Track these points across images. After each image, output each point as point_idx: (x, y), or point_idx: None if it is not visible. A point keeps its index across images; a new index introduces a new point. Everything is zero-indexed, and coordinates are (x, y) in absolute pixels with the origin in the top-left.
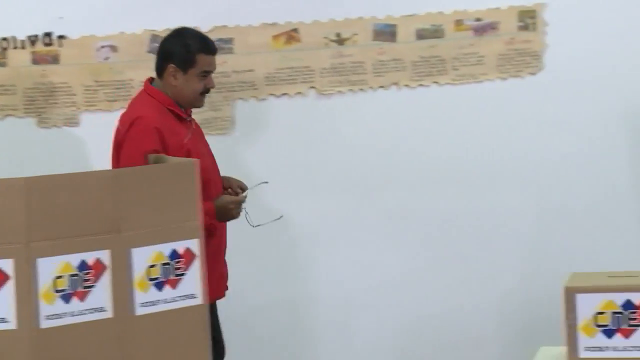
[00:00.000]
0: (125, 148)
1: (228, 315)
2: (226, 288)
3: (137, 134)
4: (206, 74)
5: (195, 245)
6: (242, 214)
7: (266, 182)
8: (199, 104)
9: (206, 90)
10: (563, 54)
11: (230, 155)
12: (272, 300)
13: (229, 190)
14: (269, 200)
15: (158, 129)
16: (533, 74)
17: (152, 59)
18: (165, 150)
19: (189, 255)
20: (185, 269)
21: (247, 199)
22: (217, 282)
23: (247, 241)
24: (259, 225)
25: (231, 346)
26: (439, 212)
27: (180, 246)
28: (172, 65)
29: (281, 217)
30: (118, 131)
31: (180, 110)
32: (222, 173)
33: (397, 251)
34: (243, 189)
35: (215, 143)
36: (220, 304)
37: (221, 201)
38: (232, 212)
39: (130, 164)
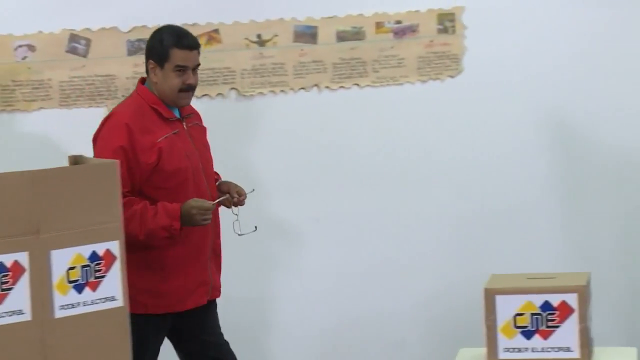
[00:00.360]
0: (97, 144)
1: None
2: (210, 295)
3: (107, 130)
4: (181, 68)
5: (115, 247)
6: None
7: (252, 190)
8: (180, 101)
9: (187, 87)
10: (482, 57)
11: None
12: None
13: (227, 195)
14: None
15: (127, 125)
16: (452, 76)
17: (71, 59)
18: (133, 147)
19: (109, 257)
20: (106, 271)
21: (238, 208)
22: (193, 289)
23: None
24: (242, 235)
25: None
26: (358, 214)
27: (100, 248)
28: (151, 60)
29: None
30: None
31: (165, 108)
32: None
33: (317, 254)
34: (240, 194)
35: None
36: None
37: (186, 205)
38: (194, 217)
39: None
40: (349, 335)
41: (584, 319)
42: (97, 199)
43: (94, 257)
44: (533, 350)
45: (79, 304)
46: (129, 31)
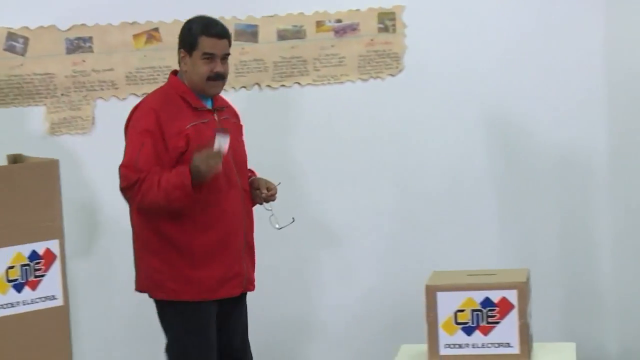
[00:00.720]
0: (127, 132)
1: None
2: (244, 287)
3: (136, 117)
4: (209, 56)
5: (55, 246)
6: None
7: (279, 183)
8: (209, 89)
9: (215, 76)
10: (422, 55)
11: (91, 155)
12: None
13: (257, 191)
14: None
15: (155, 111)
16: (393, 75)
17: (9, 57)
18: (162, 132)
19: (50, 256)
20: (46, 270)
21: (272, 203)
22: (227, 279)
23: None
24: (282, 228)
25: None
26: (301, 211)
27: (40, 247)
28: (182, 50)
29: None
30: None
31: (194, 98)
32: (80, 172)
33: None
34: (269, 188)
35: (75, 142)
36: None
37: (192, 162)
38: (201, 168)
39: (130, 144)
40: (290, 330)
41: (523, 315)
42: (37, 197)
43: (33, 256)
44: (474, 346)
45: (18, 303)
46: (68, 29)
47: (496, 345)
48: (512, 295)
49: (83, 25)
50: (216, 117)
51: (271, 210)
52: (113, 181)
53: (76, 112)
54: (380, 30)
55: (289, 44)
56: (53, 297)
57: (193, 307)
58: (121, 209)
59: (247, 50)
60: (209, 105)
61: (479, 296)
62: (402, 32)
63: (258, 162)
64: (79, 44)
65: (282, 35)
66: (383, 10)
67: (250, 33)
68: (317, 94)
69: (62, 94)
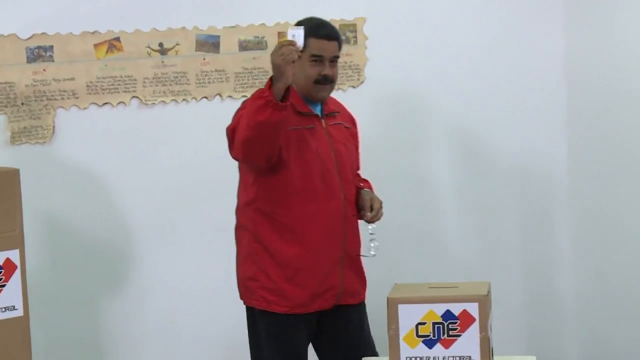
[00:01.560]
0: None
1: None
2: (339, 300)
3: (247, 101)
4: (317, 58)
5: (16, 256)
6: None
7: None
8: (316, 93)
9: (323, 79)
10: (383, 67)
11: (51, 164)
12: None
13: (362, 212)
14: (88, 213)
15: None
16: (354, 86)
17: None
18: None
19: (10, 266)
20: (6, 280)
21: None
22: (319, 293)
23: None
24: (363, 257)
25: None
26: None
27: (0, 257)
28: None
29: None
30: None
31: (300, 102)
32: (41, 182)
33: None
34: (373, 207)
35: (35, 152)
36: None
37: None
38: (275, 63)
39: (234, 116)
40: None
41: (484, 328)
42: None
43: None
44: (435, 359)
45: None
46: (29, 38)
47: (457, 358)
48: (473, 308)
49: (44, 34)
50: (324, 124)
51: (373, 234)
52: (73, 190)
53: (37, 121)
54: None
55: (251, 55)
56: (13, 308)
57: (282, 319)
58: (81, 218)
59: (208, 60)
60: (317, 110)
61: (440, 309)
62: (364, 44)
63: (211, 169)
64: (39, 53)
65: (244, 46)
66: (344, 22)
67: (211, 44)
68: None
69: (23, 103)
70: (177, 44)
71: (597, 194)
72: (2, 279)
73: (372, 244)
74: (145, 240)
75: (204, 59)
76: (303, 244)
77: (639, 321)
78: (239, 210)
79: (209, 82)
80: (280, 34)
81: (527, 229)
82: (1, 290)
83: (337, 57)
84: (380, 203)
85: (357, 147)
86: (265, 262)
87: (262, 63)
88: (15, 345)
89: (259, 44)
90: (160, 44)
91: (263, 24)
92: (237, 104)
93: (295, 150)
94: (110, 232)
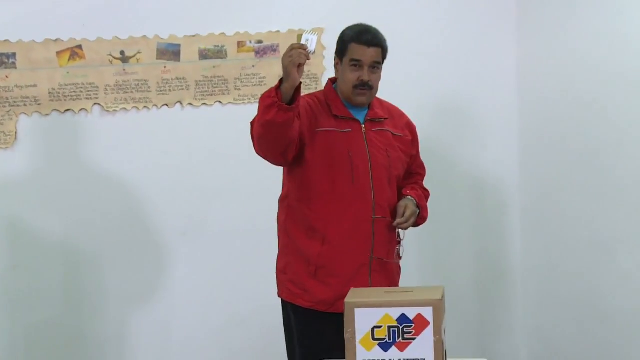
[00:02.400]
0: None
1: None
2: None
3: None
4: (356, 63)
5: None
6: None
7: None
8: (355, 98)
9: (361, 84)
10: None
11: (12, 170)
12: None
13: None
14: (49, 218)
15: (305, 99)
16: None
17: None
18: (300, 117)
19: None
20: None
21: (404, 233)
22: (344, 294)
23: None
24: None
25: None
26: (223, 223)
27: None
28: (336, 56)
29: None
30: None
31: (338, 105)
32: (2, 186)
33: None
34: (405, 214)
35: None
36: None
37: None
38: (284, 64)
39: None
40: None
41: (438, 332)
42: None
43: None
44: None
45: None
46: None
47: None
48: (427, 312)
49: (6, 41)
50: (364, 128)
51: (400, 240)
52: (35, 195)
53: None
54: None
55: (211, 64)
56: None
57: (306, 313)
58: (43, 222)
59: (169, 68)
60: (359, 115)
61: (395, 313)
62: (321, 54)
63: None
64: (2, 60)
65: (204, 55)
66: (302, 32)
67: (172, 52)
68: (238, 113)
69: None
70: (139, 52)
71: (547, 199)
72: None
73: (397, 248)
74: (107, 241)
75: (165, 67)
76: (323, 243)
77: (581, 320)
78: (278, 205)
79: (170, 90)
80: (240, 43)
81: (481, 238)
82: None
83: (379, 63)
84: (413, 212)
85: (409, 154)
86: (293, 256)
87: (222, 71)
88: None
89: (218, 53)
90: (122, 52)
91: (223, 33)
92: (197, 112)
93: (322, 151)
94: (66, 235)
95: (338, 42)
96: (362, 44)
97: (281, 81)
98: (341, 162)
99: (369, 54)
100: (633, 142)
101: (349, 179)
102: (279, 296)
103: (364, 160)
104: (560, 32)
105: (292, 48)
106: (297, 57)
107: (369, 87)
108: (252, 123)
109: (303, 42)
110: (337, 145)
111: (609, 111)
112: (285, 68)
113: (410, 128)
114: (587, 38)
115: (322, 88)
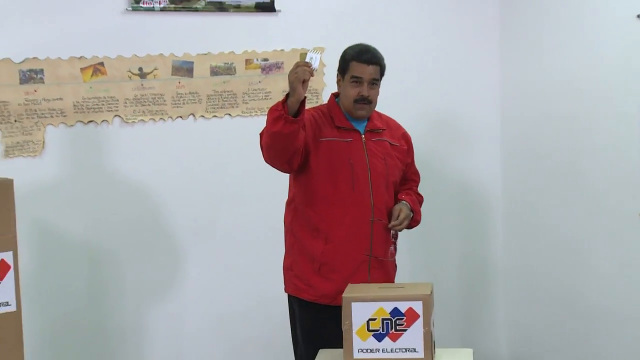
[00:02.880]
0: None
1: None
2: None
3: None
4: (356, 79)
5: (10, 257)
6: None
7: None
8: (355, 111)
9: (361, 99)
10: None
11: (41, 176)
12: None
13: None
14: (73, 219)
15: (310, 112)
16: None
17: None
18: (305, 126)
19: (4, 266)
20: (1, 279)
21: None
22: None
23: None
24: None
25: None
26: (232, 226)
27: None
28: (338, 73)
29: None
30: None
31: (340, 117)
32: (32, 191)
33: (202, 261)
34: (399, 217)
35: (27, 164)
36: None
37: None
38: (290, 80)
39: None
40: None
41: (427, 324)
42: None
43: None
44: (383, 350)
45: None
46: (22, 62)
47: (403, 350)
48: (417, 306)
49: (35, 58)
50: (363, 139)
51: (393, 239)
52: (61, 198)
53: (28, 136)
54: None
55: (221, 79)
56: (7, 304)
57: (310, 306)
58: (70, 224)
59: (183, 84)
60: (359, 126)
61: (388, 306)
62: (321, 71)
63: (185, 182)
64: (31, 75)
65: (215, 71)
66: (305, 51)
67: (186, 69)
68: (245, 125)
69: (16, 120)
70: (155, 69)
71: (527, 204)
72: None
73: (391, 248)
74: (126, 240)
75: (179, 82)
76: (326, 242)
77: (556, 314)
78: (285, 208)
79: (184, 103)
80: (248, 61)
81: (466, 239)
82: None
83: (377, 79)
84: (407, 215)
85: (405, 162)
86: (299, 254)
87: (231, 86)
88: (9, 337)
89: (228, 70)
90: (140, 69)
91: (232, 52)
92: (208, 123)
93: (325, 159)
94: (89, 236)
95: (340, 61)
96: (362, 62)
97: (287, 96)
98: (343, 169)
99: (368, 71)
100: (604, 153)
101: (350, 185)
102: (285, 291)
103: (364, 167)
104: (538, 53)
105: (297, 65)
106: (302, 74)
107: (368, 101)
108: (261, 134)
109: (307, 60)
110: (339, 154)
111: (582, 124)
112: (291, 84)
113: (406, 138)
114: (563, 58)
115: (323, 102)
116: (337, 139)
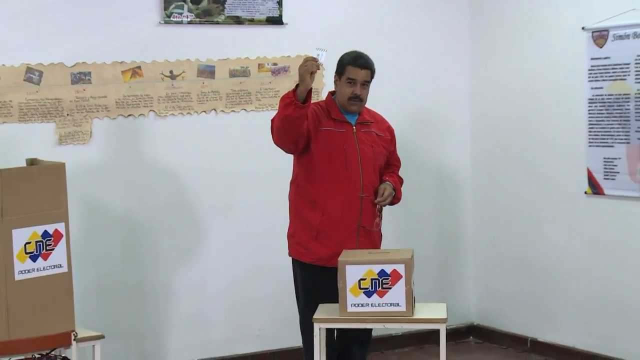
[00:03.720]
0: None
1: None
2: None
3: None
4: (351, 81)
5: (62, 227)
6: None
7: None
8: (349, 107)
9: (354, 97)
10: None
11: (89, 160)
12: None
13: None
14: (115, 197)
15: (311, 106)
16: None
17: (27, 86)
18: (308, 118)
19: (58, 235)
20: (55, 245)
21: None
22: (338, 252)
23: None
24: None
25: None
26: (248, 207)
27: (51, 228)
28: (335, 74)
29: None
30: None
31: (336, 111)
32: (81, 173)
33: (221, 232)
34: (383, 194)
35: (77, 151)
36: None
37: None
38: (300, 73)
39: None
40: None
41: (409, 283)
42: (49, 191)
43: (45, 234)
44: (372, 305)
45: (34, 269)
46: (73, 66)
47: (389, 304)
48: (401, 268)
49: (84, 62)
50: (354, 129)
51: (379, 213)
52: (105, 179)
53: (78, 127)
54: None
55: (238, 80)
56: (60, 266)
57: (309, 268)
58: (112, 200)
59: (206, 84)
60: (351, 119)
61: (376, 268)
62: (321, 72)
63: (209, 166)
64: (80, 77)
65: (233, 74)
66: (307, 56)
67: (209, 72)
68: (258, 118)
69: (68, 114)
70: (184, 72)
71: (492, 186)
72: (52, 244)
73: (376, 220)
74: (155, 224)
75: (204, 82)
76: (323, 214)
77: (516, 276)
78: (289, 185)
79: (207, 100)
80: (260, 65)
81: (441, 214)
82: (51, 252)
83: (368, 81)
84: (390, 193)
85: (389, 149)
86: (299, 224)
87: (246, 86)
88: (61, 294)
89: (244, 72)
90: (171, 71)
91: (247, 57)
92: (228, 117)
93: (323, 145)
94: (128, 211)
95: (337, 64)
96: (356, 67)
97: (297, 86)
98: (337, 154)
99: (361, 74)
100: (555, 143)
101: (344, 166)
102: (289, 255)
103: (355, 152)
104: (502, 59)
105: (306, 60)
106: (310, 67)
107: (360, 99)
108: (272, 120)
109: (314, 55)
110: (334, 141)
111: (537, 120)
112: (300, 75)
113: (390, 130)
114: (522, 63)
115: (322, 99)
116: (333, 129)
